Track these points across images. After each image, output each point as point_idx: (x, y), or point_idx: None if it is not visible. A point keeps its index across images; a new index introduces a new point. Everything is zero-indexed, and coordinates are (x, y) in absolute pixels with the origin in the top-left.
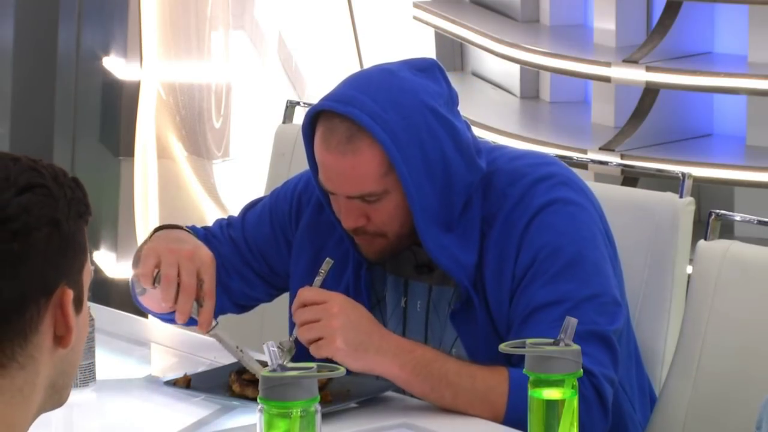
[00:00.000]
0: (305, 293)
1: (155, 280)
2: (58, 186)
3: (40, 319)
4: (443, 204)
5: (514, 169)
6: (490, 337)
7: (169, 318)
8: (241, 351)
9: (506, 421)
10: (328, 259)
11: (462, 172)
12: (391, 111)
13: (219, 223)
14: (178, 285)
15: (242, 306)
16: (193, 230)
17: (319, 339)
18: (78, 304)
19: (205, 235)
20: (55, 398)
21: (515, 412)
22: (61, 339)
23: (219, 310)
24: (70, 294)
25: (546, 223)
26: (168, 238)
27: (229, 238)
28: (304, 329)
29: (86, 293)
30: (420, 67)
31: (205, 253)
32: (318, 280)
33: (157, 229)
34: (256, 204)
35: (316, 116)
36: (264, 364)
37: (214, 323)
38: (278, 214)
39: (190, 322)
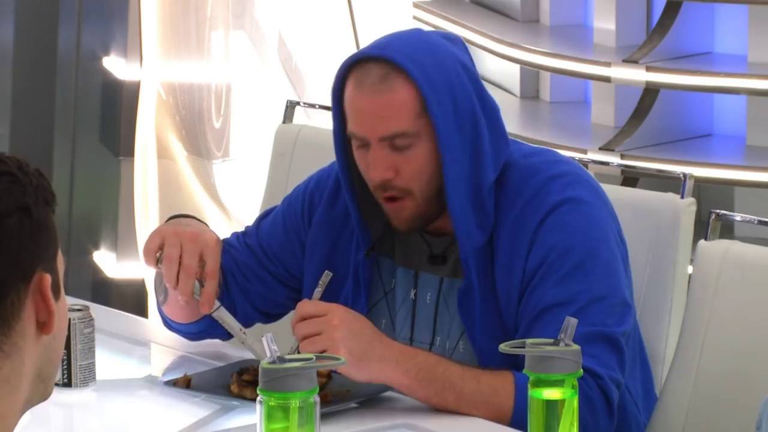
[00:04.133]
0: (304, 307)
1: (158, 261)
2: (24, 174)
3: (21, 306)
4: (472, 165)
5: (529, 165)
6: (497, 329)
7: (188, 331)
8: (245, 333)
9: (512, 424)
10: (327, 271)
11: (486, 134)
12: (426, 55)
13: (235, 234)
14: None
15: (266, 313)
16: None
17: (323, 352)
18: (56, 291)
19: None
20: (41, 389)
21: (522, 415)
22: (43, 325)
23: (244, 319)
24: (48, 279)
25: (559, 222)
26: (176, 223)
27: (245, 245)
28: (306, 343)
29: (62, 280)
30: (448, 37)
31: (209, 236)
32: (317, 292)
33: (170, 218)
34: (270, 213)
35: (347, 72)
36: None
37: (216, 305)
38: (291, 218)
39: (209, 334)
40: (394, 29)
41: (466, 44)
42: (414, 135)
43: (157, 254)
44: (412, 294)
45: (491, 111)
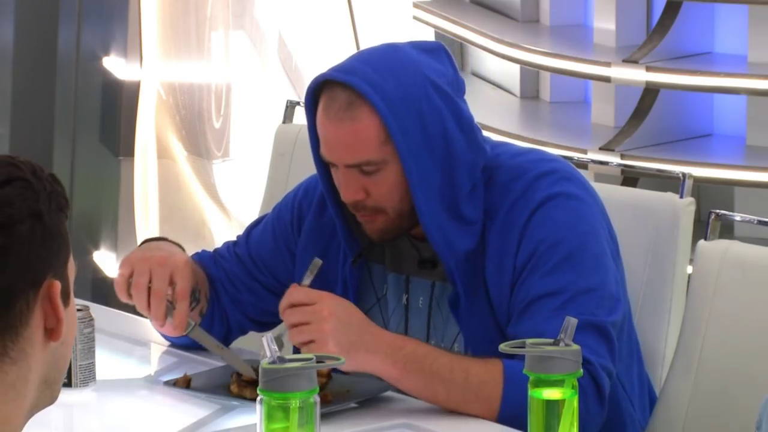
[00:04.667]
0: (295, 293)
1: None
2: (37, 179)
3: (30, 312)
4: (445, 181)
5: (517, 164)
6: (491, 330)
7: (186, 344)
8: (222, 348)
9: (502, 414)
10: (316, 258)
11: (464, 150)
12: (391, 81)
13: (226, 244)
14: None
15: (259, 322)
16: (202, 254)
17: (310, 342)
18: (65, 297)
19: (212, 256)
20: (47, 394)
21: (510, 406)
22: (51, 332)
23: (238, 327)
24: (57, 286)
25: (547, 217)
26: (146, 248)
27: (234, 255)
28: (294, 332)
29: (72, 286)
30: (427, 48)
31: (179, 258)
32: (307, 278)
33: (143, 242)
34: (261, 221)
35: (320, 89)
36: (251, 362)
37: (191, 324)
38: (280, 226)
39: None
40: (394, 29)
41: (449, 53)
42: (380, 162)
43: (129, 282)
44: (404, 299)
45: (468, 125)
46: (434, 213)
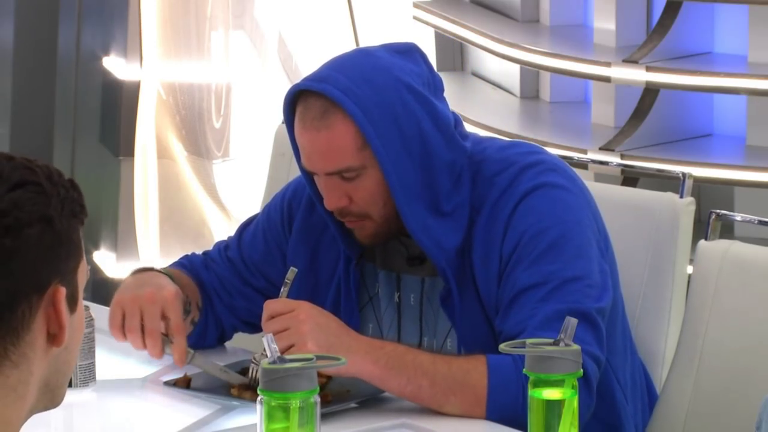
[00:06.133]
0: (272, 305)
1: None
2: (52, 185)
3: (33, 317)
4: (425, 182)
5: (503, 158)
6: (481, 325)
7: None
8: (226, 372)
9: (490, 406)
10: (292, 268)
11: (442, 149)
12: (365, 86)
13: (218, 246)
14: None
15: (252, 325)
16: (192, 258)
17: (291, 347)
18: (72, 303)
19: (203, 260)
20: (49, 397)
21: (498, 395)
22: (54, 337)
23: (231, 330)
24: (62, 292)
25: (531, 207)
26: (135, 285)
27: (227, 260)
28: (276, 340)
29: (81, 293)
30: (399, 49)
31: (167, 291)
32: (284, 290)
33: (133, 273)
34: (251, 222)
35: (295, 100)
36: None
37: (190, 355)
38: (271, 228)
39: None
40: (394, 29)
41: (423, 52)
42: (360, 167)
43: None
44: (396, 297)
45: (445, 123)
46: (418, 214)
